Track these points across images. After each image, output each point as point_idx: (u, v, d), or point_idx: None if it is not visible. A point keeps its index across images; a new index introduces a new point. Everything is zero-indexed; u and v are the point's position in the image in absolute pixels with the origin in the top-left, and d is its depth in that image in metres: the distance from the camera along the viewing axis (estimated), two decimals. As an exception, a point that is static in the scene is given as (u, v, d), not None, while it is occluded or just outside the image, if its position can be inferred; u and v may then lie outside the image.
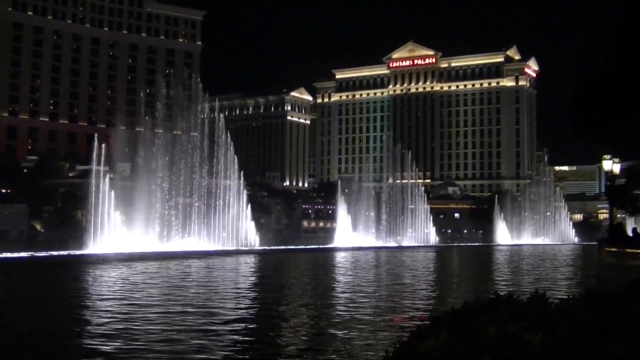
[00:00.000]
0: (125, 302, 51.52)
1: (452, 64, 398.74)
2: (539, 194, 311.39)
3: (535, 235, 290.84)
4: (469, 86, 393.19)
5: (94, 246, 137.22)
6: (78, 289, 63.32)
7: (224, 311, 46.62)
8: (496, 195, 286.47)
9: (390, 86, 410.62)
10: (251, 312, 47.42)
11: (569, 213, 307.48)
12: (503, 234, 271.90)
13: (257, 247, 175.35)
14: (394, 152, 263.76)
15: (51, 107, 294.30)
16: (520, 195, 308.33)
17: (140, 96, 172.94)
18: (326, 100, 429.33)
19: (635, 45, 41.30)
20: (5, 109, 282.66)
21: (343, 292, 62.69)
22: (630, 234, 70.49)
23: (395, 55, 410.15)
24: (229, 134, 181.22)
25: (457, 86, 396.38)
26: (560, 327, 9.95)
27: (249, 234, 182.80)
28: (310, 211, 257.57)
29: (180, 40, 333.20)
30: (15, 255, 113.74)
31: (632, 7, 44.42)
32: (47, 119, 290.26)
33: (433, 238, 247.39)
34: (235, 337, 36.17)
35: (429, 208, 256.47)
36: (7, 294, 60.88)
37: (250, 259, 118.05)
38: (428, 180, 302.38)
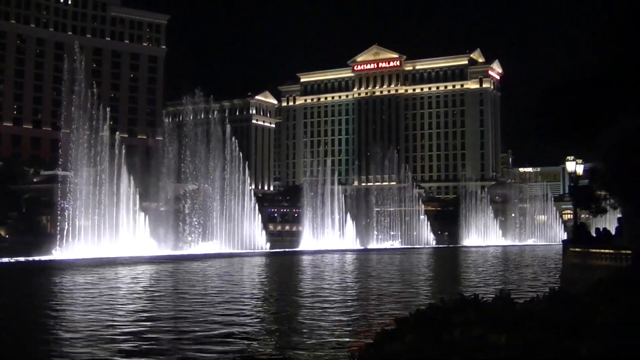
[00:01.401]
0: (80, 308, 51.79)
1: (417, 67, 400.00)
2: (509, 195, 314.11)
3: (507, 237, 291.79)
4: (434, 89, 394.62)
5: (61, 252, 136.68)
6: (43, 295, 63.28)
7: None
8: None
9: (355, 89, 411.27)
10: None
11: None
12: (470, 236, 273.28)
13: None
14: (359, 155, 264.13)
15: (15, 112, 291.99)
16: (485, 197, 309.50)
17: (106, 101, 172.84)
18: (291, 103, 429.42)
19: (607, 53, 42.12)
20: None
21: (312, 294, 63.13)
22: (594, 234, 71.37)
23: (360, 59, 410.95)
24: (234, 138, 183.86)
25: (422, 89, 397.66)
26: (528, 329, 10.25)
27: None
28: (276, 215, 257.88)
29: (145, 44, 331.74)
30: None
31: (605, 18, 45.28)
32: (11, 124, 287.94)
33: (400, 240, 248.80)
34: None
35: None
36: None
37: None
38: (393, 183, 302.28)
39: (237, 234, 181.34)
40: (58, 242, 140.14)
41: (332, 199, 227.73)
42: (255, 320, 46.67)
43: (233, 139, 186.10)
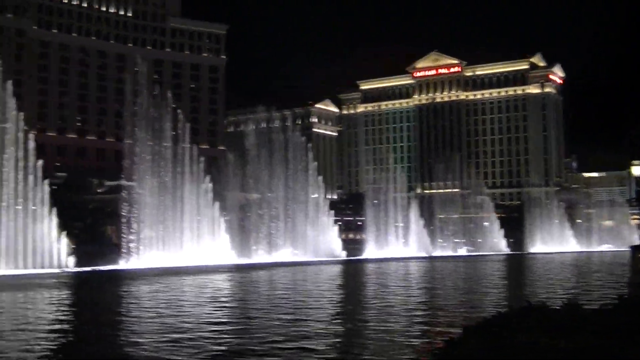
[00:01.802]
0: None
1: (477, 72, 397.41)
2: (574, 200, 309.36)
3: (575, 243, 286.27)
4: (495, 94, 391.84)
5: (127, 261, 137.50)
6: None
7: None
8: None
9: (416, 96, 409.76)
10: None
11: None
12: (535, 243, 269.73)
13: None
14: (421, 162, 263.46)
15: (79, 124, 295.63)
16: (550, 202, 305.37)
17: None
18: (352, 111, 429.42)
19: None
20: (34, 127, 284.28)
21: (379, 302, 62.05)
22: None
23: (419, 65, 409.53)
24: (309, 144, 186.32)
25: (483, 94, 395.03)
26: (587, 333, 10.18)
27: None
28: (340, 223, 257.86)
29: (205, 54, 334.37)
30: (48, 271, 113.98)
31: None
32: (75, 135, 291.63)
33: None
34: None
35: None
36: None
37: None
38: (457, 190, 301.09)
39: (311, 241, 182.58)
40: (124, 252, 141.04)
41: (395, 206, 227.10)
42: (322, 330, 45.46)
43: (309, 145, 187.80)
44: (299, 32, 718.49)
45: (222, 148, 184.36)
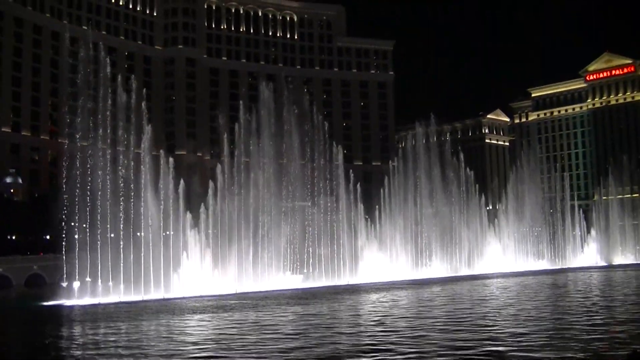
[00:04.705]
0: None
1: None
2: None
3: None
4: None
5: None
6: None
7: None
8: None
9: (589, 100, 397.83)
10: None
11: None
12: None
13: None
14: (598, 168, 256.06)
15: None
16: None
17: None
18: (524, 120, 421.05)
19: None
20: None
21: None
22: None
23: (591, 68, 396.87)
24: None
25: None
26: None
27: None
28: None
29: (373, 71, 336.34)
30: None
31: None
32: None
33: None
34: None
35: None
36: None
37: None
38: (636, 195, 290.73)
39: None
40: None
41: (572, 215, 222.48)
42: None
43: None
44: (467, 43, 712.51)
45: (395, 164, 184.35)
